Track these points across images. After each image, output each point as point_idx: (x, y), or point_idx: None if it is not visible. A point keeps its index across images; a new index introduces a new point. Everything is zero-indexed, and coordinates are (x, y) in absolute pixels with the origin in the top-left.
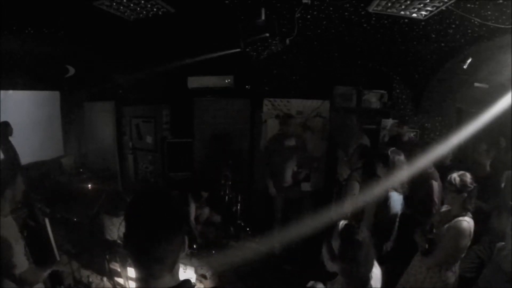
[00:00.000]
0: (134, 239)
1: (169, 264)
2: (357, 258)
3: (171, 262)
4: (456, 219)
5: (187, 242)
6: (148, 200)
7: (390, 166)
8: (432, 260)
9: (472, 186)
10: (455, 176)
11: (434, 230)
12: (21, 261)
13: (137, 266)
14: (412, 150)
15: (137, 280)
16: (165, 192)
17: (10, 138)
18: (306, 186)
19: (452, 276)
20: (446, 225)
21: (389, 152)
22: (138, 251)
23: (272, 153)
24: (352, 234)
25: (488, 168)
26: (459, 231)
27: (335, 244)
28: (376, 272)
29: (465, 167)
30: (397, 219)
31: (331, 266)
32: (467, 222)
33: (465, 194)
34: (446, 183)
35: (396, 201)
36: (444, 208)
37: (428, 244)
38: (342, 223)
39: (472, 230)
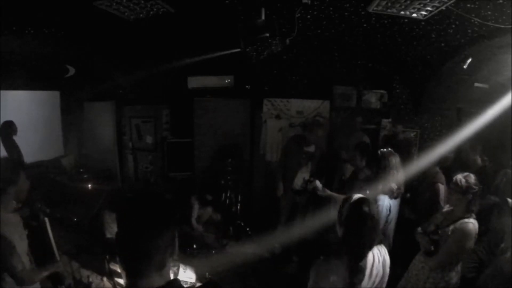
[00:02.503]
0: (123, 237)
1: (156, 263)
2: (361, 227)
3: (159, 261)
4: (461, 221)
5: (177, 243)
6: (138, 200)
7: (383, 167)
8: (436, 262)
9: (476, 188)
10: (460, 177)
11: (440, 232)
12: (23, 259)
13: (126, 263)
14: (407, 149)
15: (126, 278)
16: (156, 193)
17: (14, 137)
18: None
19: (455, 276)
20: (451, 227)
21: (379, 153)
22: (126, 248)
23: (288, 154)
24: (361, 204)
25: (479, 162)
26: (464, 233)
27: (345, 211)
28: (381, 257)
29: (459, 165)
30: (382, 226)
31: (339, 230)
32: (472, 224)
33: (470, 196)
34: (451, 184)
35: (382, 206)
36: (446, 208)
37: (433, 245)
38: (356, 195)
39: (477, 231)
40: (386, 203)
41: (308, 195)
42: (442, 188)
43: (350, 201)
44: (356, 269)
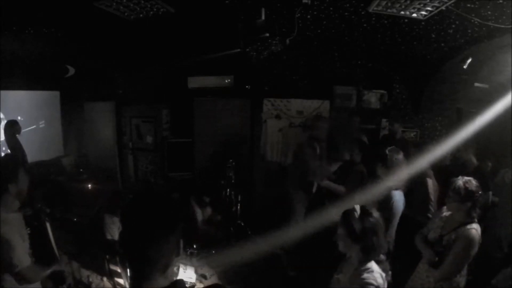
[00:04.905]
0: (128, 238)
1: (161, 265)
2: (365, 238)
3: (163, 264)
4: (464, 228)
5: (182, 246)
6: (144, 202)
7: (389, 165)
8: (442, 273)
9: (477, 195)
10: (460, 184)
11: (443, 242)
12: (24, 258)
13: (130, 265)
14: (405, 148)
15: (130, 279)
16: (162, 195)
17: (18, 136)
18: None
19: (462, 280)
20: (454, 235)
21: (387, 151)
22: (131, 250)
23: (302, 159)
24: (369, 214)
25: (475, 161)
26: (468, 241)
27: (357, 225)
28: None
29: (455, 165)
30: (398, 219)
31: (350, 246)
32: (475, 230)
33: (470, 203)
34: (450, 191)
35: (399, 201)
36: (445, 213)
37: (438, 257)
38: (357, 206)
39: (480, 236)
40: (401, 197)
41: (313, 196)
42: (430, 182)
43: (358, 215)
44: (379, 261)
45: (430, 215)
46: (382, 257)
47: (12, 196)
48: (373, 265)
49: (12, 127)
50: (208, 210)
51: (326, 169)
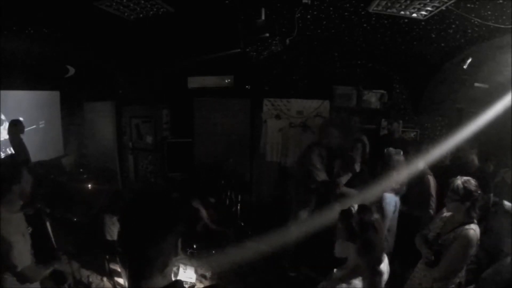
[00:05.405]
0: (127, 238)
1: (160, 265)
2: (363, 235)
3: (162, 263)
4: (462, 228)
5: (180, 245)
6: (144, 202)
7: (389, 165)
8: (439, 273)
9: (476, 194)
10: (459, 183)
11: (440, 241)
12: (25, 257)
13: (129, 264)
14: (404, 148)
15: (128, 278)
16: (162, 195)
17: (22, 136)
18: None
19: (461, 280)
20: (452, 234)
21: (387, 151)
22: (130, 250)
23: (308, 166)
24: (369, 212)
25: (477, 162)
26: (466, 241)
27: (356, 224)
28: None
29: (457, 165)
30: (388, 221)
31: (348, 247)
32: (473, 230)
33: (469, 203)
34: (449, 191)
35: (390, 203)
36: (446, 213)
37: (434, 255)
38: (355, 205)
39: (478, 237)
40: (393, 200)
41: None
42: (431, 179)
43: (355, 212)
44: (378, 273)
45: (431, 211)
46: (383, 267)
47: (15, 196)
48: (358, 284)
49: (15, 127)
50: (211, 211)
51: (338, 183)
